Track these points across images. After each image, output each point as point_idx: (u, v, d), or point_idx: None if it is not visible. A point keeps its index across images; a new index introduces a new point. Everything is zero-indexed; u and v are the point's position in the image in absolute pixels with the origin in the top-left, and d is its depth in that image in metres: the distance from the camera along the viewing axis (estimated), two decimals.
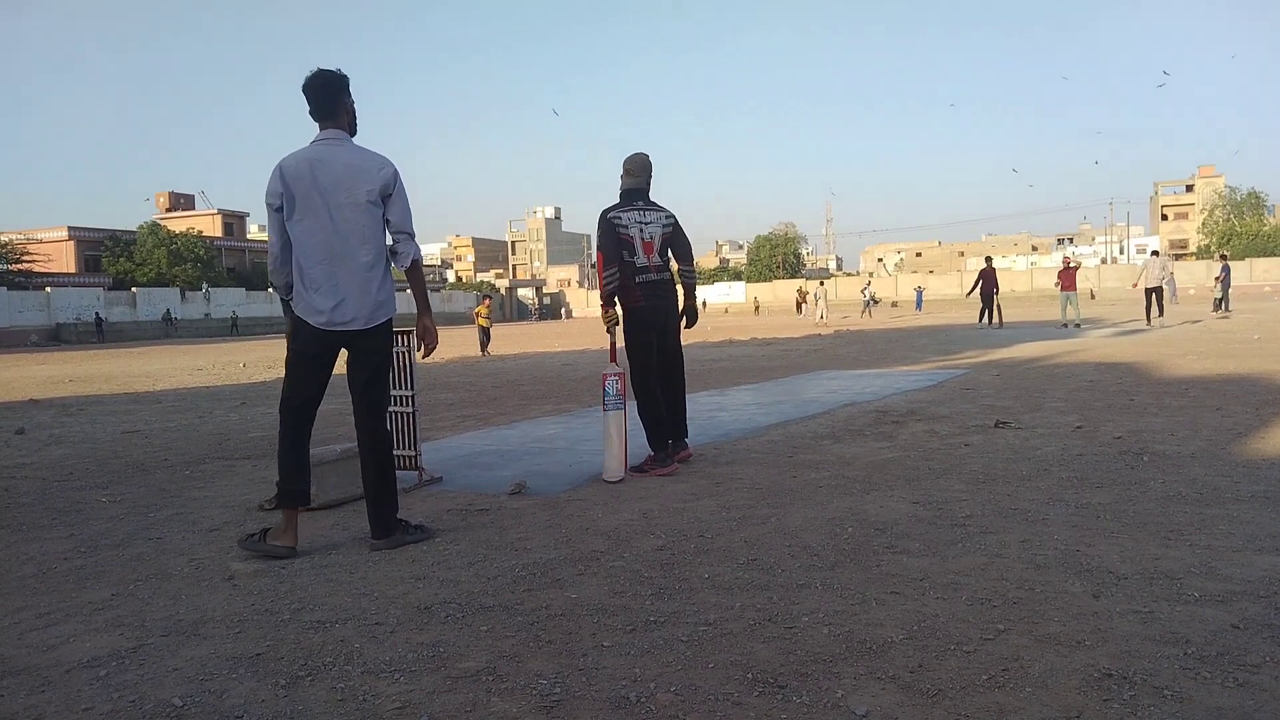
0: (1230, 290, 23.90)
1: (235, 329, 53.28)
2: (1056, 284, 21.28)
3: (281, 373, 4.22)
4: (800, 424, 6.75)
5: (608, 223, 5.01)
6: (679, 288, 5.29)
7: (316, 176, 3.56)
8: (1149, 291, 19.69)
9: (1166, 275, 19.78)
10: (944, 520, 3.74)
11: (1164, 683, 2.14)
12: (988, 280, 21.47)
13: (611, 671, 2.35)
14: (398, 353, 4.91)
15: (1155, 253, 20.85)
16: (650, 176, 5.18)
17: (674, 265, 5.25)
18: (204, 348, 31.86)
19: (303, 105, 3.67)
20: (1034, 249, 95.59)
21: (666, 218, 5.15)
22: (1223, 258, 26.78)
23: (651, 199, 5.16)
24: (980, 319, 22.00)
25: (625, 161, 5.16)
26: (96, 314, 48.76)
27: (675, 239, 5.19)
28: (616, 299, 5.05)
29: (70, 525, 4.36)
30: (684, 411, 5.28)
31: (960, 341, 16.82)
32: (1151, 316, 19.63)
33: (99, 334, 47.06)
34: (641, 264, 5.02)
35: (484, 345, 20.22)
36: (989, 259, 22.79)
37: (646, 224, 5.05)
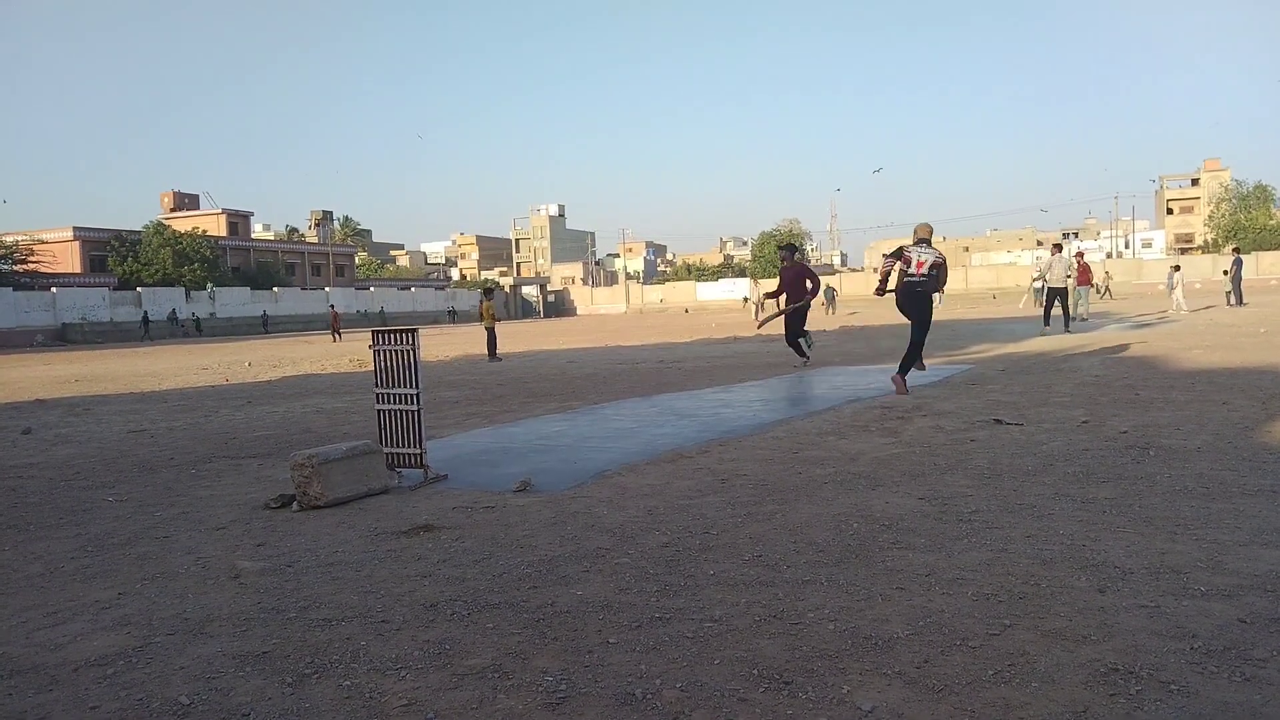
0: (1241, 284, 23.65)
1: (239, 329, 53.41)
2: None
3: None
4: (805, 420, 6.75)
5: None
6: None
7: None
8: (1052, 293, 15.99)
9: (1072, 275, 16.01)
10: (949, 516, 3.74)
11: (1170, 677, 2.14)
12: None
13: (617, 668, 2.35)
14: (402, 351, 4.95)
15: (1058, 246, 16.70)
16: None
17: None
18: (209, 347, 31.93)
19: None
20: (1039, 244, 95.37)
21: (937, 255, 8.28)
22: (1235, 250, 26.24)
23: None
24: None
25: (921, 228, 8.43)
26: (145, 312, 48.82)
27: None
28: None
29: (77, 524, 4.38)
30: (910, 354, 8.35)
31: (965, 337, 16.77)
32: (1050, 318, 15.94)
33: (145, 331, 46.82)
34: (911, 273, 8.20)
35: (492, 349, 16.82)
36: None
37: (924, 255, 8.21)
